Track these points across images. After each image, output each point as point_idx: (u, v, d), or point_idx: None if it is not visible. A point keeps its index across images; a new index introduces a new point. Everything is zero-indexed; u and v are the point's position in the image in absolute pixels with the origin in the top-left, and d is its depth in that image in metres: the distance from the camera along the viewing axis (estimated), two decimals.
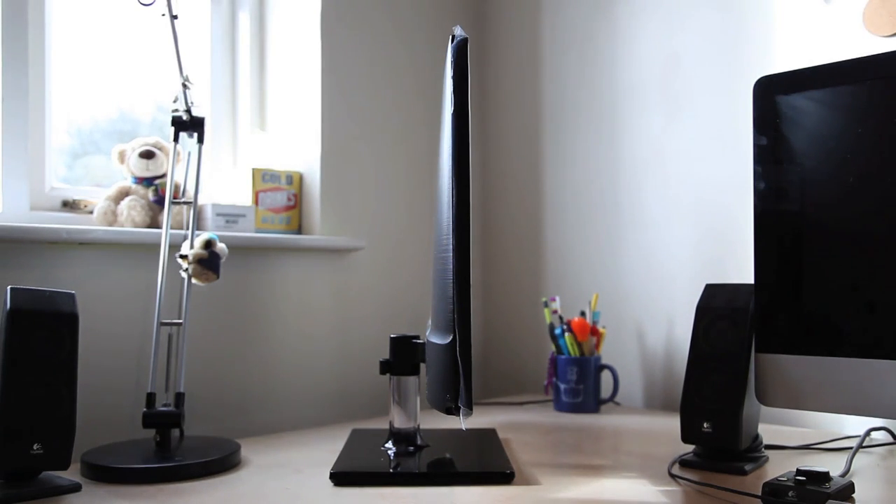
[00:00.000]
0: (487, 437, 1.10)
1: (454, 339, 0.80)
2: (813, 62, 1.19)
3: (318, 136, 1.40)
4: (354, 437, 1.09)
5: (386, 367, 1.02)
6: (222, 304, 1.25)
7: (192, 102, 1.09)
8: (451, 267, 0.82)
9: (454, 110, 0.80)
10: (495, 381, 1.66)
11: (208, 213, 1.28)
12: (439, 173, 0.87)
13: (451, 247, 0.81)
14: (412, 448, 1.00)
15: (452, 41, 0.81)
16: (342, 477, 0.89)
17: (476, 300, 1.68)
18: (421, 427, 1.04)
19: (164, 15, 1.04)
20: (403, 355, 1.02)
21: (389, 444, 1.01)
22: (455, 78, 0.80)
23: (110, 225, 1.20)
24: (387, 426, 1.05)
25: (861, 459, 0.97)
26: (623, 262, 1.45)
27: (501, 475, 0.90)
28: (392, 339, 1.02)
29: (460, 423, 0.85)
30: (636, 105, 1.43)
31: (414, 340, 1.02)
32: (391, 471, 0.91)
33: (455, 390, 0.80)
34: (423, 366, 1.01)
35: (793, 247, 0.84)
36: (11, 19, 1.17)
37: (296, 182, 1.41)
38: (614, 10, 1.47)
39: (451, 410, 0.82)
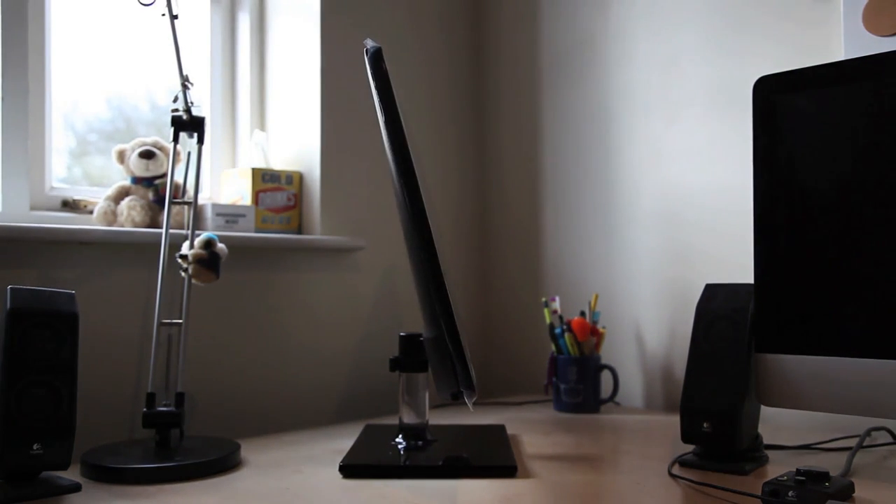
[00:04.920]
0: (496, 433, 1.11)
1: (441, 330, 0.81)
2: (813, 62, 1.19)
3: (318, 136, 1.40)
4: (366, 432, 1.11)
5: (395, 364, 1.05)
6: (222, 304, 1.25)
7: (192, 102, 1.09)
8: (421, 263, 0.83)
9: (385, 119, 0.81)
10: (495, 382, 1.66)
11: (208, 213, 1.28)
12: (391, 176, 0.89)
13: (415, 245, 0.83)
14: (421, 443, 1.02)
15: (367, 54, 0.82)
16: (351, 469, 0.91)
17: (476, 300, 1.68)
18: (430, 423, 1.05)
19: (164, 15, 1.04)
20: (412, 353, 1.04)
21: (399, 439, 1.03)
22: (378, 88, 0.81)
23: (110, 225, 1.20)
24: (388, 424, 1.06)
25: (861, 459, 0.97)
26: (623, 263, 1.45)
27: (504, 469, 0.91)
28: (401, 336, 1.05)
29: (468, 405, 0.88)
30: (635, 105, 1.43)
31: (421, 338, 1.04)
32: (395, 464, 0.93)
33: (455, 377, 0.84)
34: None
35: (793, 247, 0.84)
36: (11, 19, 1.17)
37: (296, 182, 1.41)
38: (613, 11, 1.47)
39: (457, 396, 0.86)
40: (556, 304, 1.40)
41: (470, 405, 0.88)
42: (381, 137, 1.49)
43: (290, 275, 1.34)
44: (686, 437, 0.95)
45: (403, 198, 0.82)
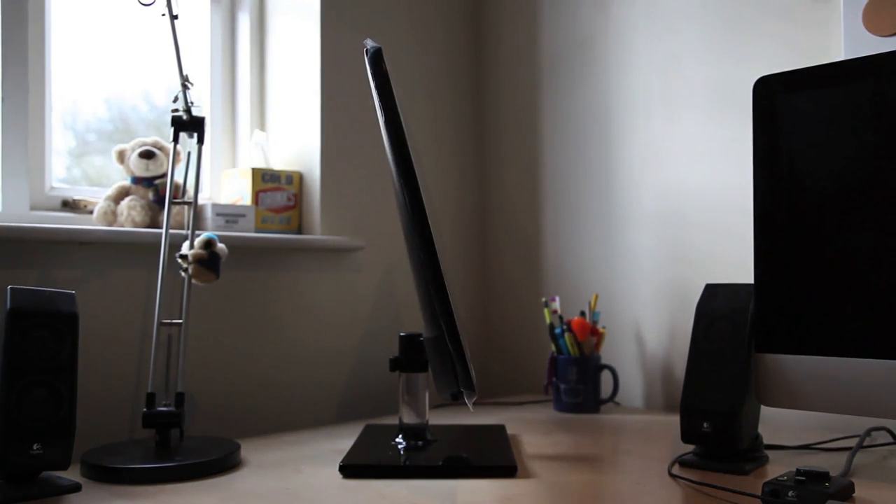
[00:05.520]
0: (496, 433, 1.11)
1: (441, 331, 0.82)
2: (813, 62, 1.19)
3: (318, 136, 1.40)
4: (366, 432, 1.11)
5: (395, 364, 1.05)
6: (222, 304, 1.25)
7: (191, 102, 1.09)
8: (421, 264, 0.83)
9: (385, 119, 0.81)
10: (495, 382, 1.66)
11: (208, 213, 1.28)
12: (392, 177, 0.89)
13: (415, 245, 0.83)
14: (421, 443, 1.02)
15: (367, 54, 0.82)
16: (351, 469, 0.91)
17: (476, 300, 1.68)
18: (430, 423, 1.05)
19: (164, 15, 1.04)
20: (412, 353, 1.04)
21: (399, 439, 1.03)
22: (378, 88, 0.81)
23: (110, 225, 1.20)
24: (388, 424, 1.06)
25: (861, 459, 0.97)
26: (623, 262, 1.45)
27: (504, 469, 0.91)
28: (401, 336, 1.05)
29: (468, 405, 0.88)
30: (635, 105, 1.43)
31: (421, 339, 1.04)
32: (395, 464, 0.93)
33: (455, 377, 0.84)
34: None
35: (793, 247, 0.84)
36: (12, 19, 1.17)
37: (296, 182, 1.41)
38: (613, 11, 1.46)
39: (456, 396, 0.86)
40: (556, 304, 1.40)
41: (470, 405, 0.88)
42: (382, 137, 1.49)
43: (290, 275, 1.34)
44: (686, 437, 0.95)
45: (403, 198, 0.82)
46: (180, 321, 1.05)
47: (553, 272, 1.57)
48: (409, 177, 0.81)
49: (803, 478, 0.77)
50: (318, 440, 1.11)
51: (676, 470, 0.92)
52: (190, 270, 1.05)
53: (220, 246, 1.07)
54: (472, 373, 0.84)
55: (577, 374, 1.33)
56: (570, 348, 1.35)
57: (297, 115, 1.44)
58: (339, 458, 0.95)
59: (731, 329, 0.95)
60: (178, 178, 1.18)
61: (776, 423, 1.20)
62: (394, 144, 0.82)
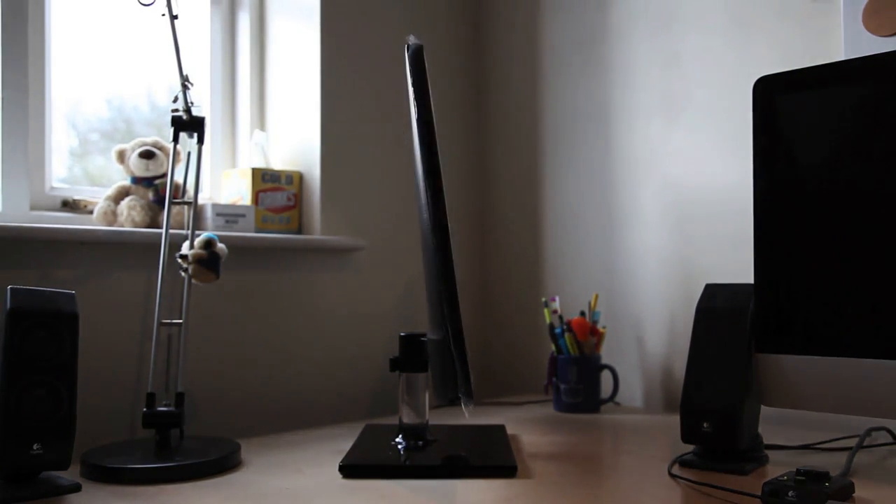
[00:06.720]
0: (496, 433, 1.11)
1: (447, 334, 0.81)
2: (813, 62, 1.19)
3: (317, 136, 1.40)
4: (366, 432, 1.11)
5: (395, 364, 1.04)
6: (222, 304, 1.25)
7: (191, 102, 1.09)
8: (435, 264, 0.83)
9: (419, 116, 0.81)
10: (495, 382, 1.66)
11: (208, 213, 1.28)
12: (415, 175, 0.89)
13: (433, 246, 0.83)
14: (421, 443, 1.02)
15: (408, 50, 0.82)
16: (351, 469, 0.91)
17: (476, 300, 1.68)
18: (430, 423, 1.06)
19: (164, 15, 1.04)
20: (412, 353, 1.04)
21: (399, 439, 1.03)
22: (415, 84, 0.81)
23: (110, 225, 1.20)
24: (388, 424, 1.06)
25: (861, 459, 0.97)
26: (623, 262, 1.45)
27: (504, 469, 0.91)
28: (401, 336, 1.05)
29: (464, 411, 0.88)
30: (635, 105, 1.43)
31: (422, 338, 1.04)
32: (395, 464, 0.93)
33: (454, 382, 0.84)
34: None
35: (793, 247, 0.84)
36: (12, 19, 1.17)
37: (296, 182, 1.41)
38: (613, 10, 1.47)
39: (454, 401, 0.86)
40: (556, 304, 1.40)
41: (466, 412, 0.88)
42: (381, 137, 1.49)
43: (289, 275, 1.34)
44: (686, 437, 0.95)
45: (426, 197, 0.82)
46: (180, 321, 1.05)
47: (553, 272, 1.57)
48: (435, 179, 0.80)
49: (803, 478, 0.77)
50: (318, 440, 1.11)
51: (676, 470, 0.92)
52: (190, 270, 1.05)
53: (220, 246, 1.07)
54: (471, 380, 0.84)
55: (577, 374, 1.33)
56: (570, 348, 1.35)
57: (297, 115, 1.44)
58: (339, 458, 0.95)
59: (731, 329, 0.95)
60: (178, 178, 1.18)
61: (776, 423, 1.20)
62: (425, 144, 0.81)
